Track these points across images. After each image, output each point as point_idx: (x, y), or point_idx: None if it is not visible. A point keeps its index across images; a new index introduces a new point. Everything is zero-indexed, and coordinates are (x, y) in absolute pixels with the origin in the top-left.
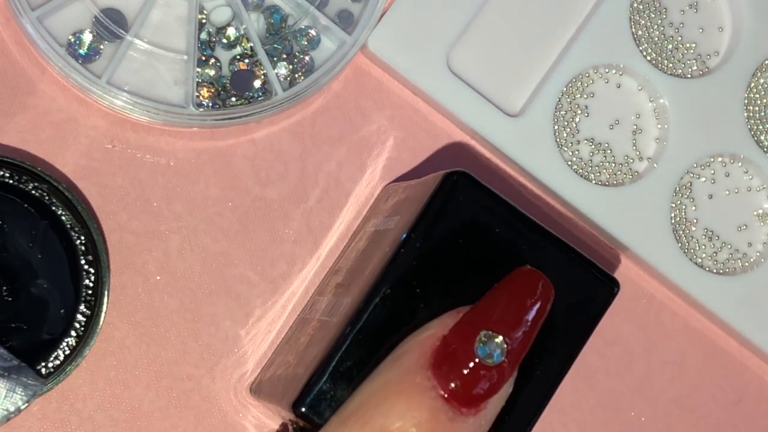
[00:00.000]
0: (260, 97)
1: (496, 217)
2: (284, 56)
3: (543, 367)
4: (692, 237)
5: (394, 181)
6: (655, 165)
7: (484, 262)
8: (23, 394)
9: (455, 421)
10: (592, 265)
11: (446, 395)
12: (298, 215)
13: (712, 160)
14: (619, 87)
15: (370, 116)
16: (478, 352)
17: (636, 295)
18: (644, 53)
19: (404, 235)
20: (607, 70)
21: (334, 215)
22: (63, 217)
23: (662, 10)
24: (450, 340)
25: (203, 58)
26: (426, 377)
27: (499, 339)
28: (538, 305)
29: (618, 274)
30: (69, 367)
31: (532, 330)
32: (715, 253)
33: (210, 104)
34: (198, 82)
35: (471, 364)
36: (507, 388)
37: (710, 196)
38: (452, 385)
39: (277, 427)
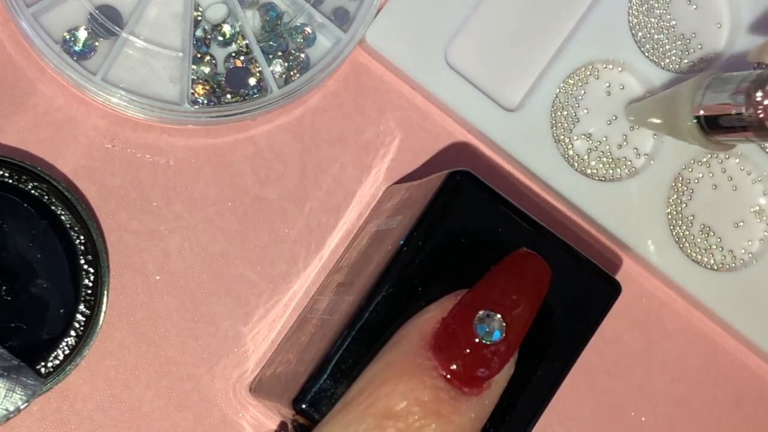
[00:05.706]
0: (255, 94)
1: (499, 217)
2: (280, 54)
3: (543, 368)
4: (689, 233)
5: (396, 182)
6: (652, 161)
7: (485, 262)
8: (23, 394)
9: (458, 400)
10: (595, 266)
11: (448, 375)
12: (297, 215)
13: (709, 156)
14: (617, 82)
15: (369, 115)
16: (478, 331)
17: (636, 296)
18: (642, 49)
19: (407, 234)
20: (605, 66)
21: (335, 216)
22: (63, 217)
23: (661, 5)
24: (449, 322)
25: (198, 56)
26: (427, 358)
27: (498, 317)
28: (535, 285)
29: (619, 274)
30: (69, 367)
31: (531, 310)
32: (712, 249)
33: (205, 101)
34: (193, 79)
35: (471, 344)
36: (508, 369)
37: (707, 193)
38: (453, 365)
39: (275, 427)
